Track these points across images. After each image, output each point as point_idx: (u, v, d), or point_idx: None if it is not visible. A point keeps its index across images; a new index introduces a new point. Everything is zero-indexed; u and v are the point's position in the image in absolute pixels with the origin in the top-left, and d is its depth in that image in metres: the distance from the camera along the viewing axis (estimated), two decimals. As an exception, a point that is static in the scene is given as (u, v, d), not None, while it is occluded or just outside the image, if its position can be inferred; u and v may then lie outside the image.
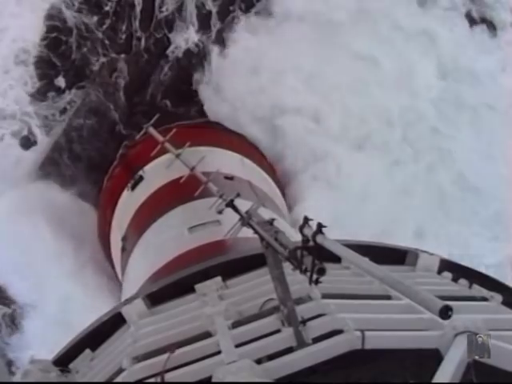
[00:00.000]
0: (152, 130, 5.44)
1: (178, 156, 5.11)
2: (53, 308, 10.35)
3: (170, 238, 8.14)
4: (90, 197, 11.21)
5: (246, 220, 3.51)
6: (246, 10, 11.79)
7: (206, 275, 4.43)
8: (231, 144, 10.57)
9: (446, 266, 4.73)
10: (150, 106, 11.46)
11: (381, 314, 3.32)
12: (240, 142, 10.99)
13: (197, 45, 11.69)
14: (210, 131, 10.89)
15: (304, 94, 11.30)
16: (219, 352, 3.12)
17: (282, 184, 11.31)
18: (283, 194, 11.15)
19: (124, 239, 9.68)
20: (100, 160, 11.33)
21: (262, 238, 3.14)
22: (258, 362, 2.82)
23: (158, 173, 9.10)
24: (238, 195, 3.98)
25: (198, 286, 4.38)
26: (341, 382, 2.86)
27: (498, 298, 4.10)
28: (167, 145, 5.27)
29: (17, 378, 3.64)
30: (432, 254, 4.84)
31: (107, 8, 11.30)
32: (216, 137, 10.65)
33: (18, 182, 10.94)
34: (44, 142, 11.33)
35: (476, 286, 4.30)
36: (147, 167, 9.80)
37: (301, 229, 2.87)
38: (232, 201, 3.89)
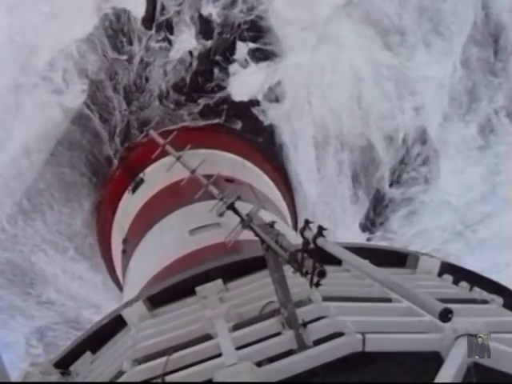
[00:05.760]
0: (153, 133, 5.45)
1: (178, 158, 5.10)
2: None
3: (171, 240, 8.14)
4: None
5: (246, 223, 3.51)
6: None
7: (206, 278, 4.43)
8: (232, 147, 10.58)
9: (447, 268, 4.72)
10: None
11: (381, 316, 3.31)
12: (241, 144, 11.01)
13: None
14: (211, 134, 10.89)
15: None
16: (220, 354, 3.11)
17: (284, 186, 11.31)
18: (287, 195, 11.15)
19: (125, 242, 9.69)
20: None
21: (262, 241, 3.14)
22: (259, 364, 2.82)
23: (158, 175, 9.11)
24: (239, 198, 3.98)
25: (198, 289, 4.38)
26: None
27: (499, 300, 4.09)
28: (168, 147, 5.26)
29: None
30: (432, 257, 4.84)
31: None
32: (217, 139, 10.65)
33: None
34: None
35: (476, 289, 4.29)
36: (148, 170, 9.83)
37: (301, 231, 2.87)
38: (233, 203, 3.89)
